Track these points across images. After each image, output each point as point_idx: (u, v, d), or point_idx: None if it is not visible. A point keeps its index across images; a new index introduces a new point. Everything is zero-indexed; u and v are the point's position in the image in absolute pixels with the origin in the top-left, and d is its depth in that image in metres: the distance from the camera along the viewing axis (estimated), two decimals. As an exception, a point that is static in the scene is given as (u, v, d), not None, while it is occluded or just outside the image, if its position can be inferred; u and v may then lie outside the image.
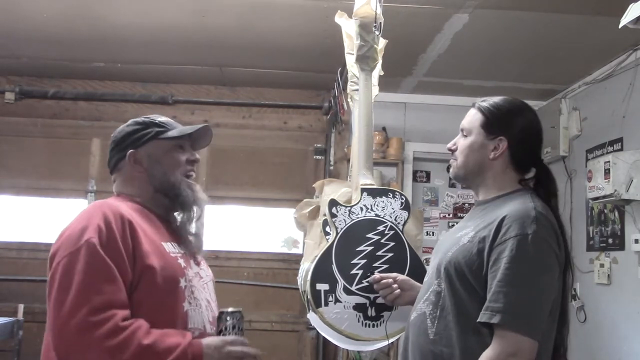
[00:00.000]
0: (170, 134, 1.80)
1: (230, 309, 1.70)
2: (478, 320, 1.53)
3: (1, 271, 4.58)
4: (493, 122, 1.73)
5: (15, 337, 3.73)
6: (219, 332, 1.68)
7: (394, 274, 1.98)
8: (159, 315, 1.57)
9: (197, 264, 1.80)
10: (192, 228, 1.81)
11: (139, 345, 1.47)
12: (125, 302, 1.53)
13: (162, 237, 1.71)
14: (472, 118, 1.77)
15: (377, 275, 1.98)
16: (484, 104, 1.77)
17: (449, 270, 1.63)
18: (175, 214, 1.83)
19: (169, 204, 1.80)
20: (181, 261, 1.70)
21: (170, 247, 1.70)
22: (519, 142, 1.72)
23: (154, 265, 1.59)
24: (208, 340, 1.60)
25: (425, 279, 1.80)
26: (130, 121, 1.85)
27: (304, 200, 2.53)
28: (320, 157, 4.86)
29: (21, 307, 3.85)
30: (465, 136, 1.78)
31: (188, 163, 1.82)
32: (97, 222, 1.57)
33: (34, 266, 4.58)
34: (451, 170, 1.83)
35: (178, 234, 1.78)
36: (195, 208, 1.81)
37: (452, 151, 1.81)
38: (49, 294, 1.55)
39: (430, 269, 1.77)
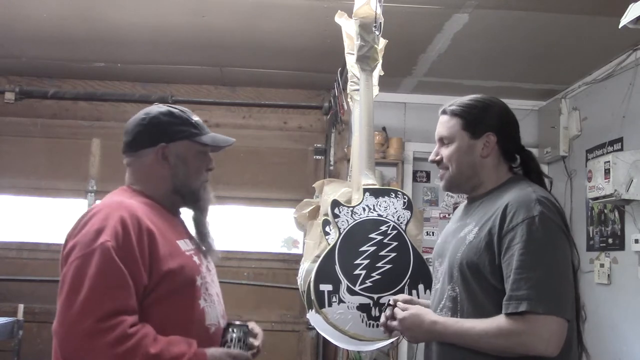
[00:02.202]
0: (205, 139, 1.77)
1: (237, 322, 1.72)
2: (504, 312, 1.51)
3: (1, 271, 4.58)
4: (473, 121, 1.73)
5: (15, 337, 3.73)
6: (224, 344, 1.68)
7: (397, 300, 1.79)
8: (176, 314, 1.57)
9: (205, 256, 1.80)
10: (207, 228, 1.82)
11: (145, 354, 1.46)
12: (134, 308, 1.52)
13: (176, 234, 1.71)
14: (449, 124, 1.77)
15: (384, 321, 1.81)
16: (456, 108, 1.76)
17: (463, 272, 1.61)
18: (186, 210, 1.82)
19: (181, 204, 1.79)
20: (195, 258, 1.70)
21: (184, 245, 1.70)
22: (503, 133, 1.74)
23: (174, 268, 1.59)
24: (212, 351, 1.60)
25: (436, 285, 1.77)
26: (163, 108, 1.79)
27: (304, 200, 2.53)
28: (320, 157, 4.86)
29: (21, 307, 3.84)
30: (447, 144, 1.77)
31: (206, 171, 1.81)
32: (114, 224, 1.53)
33: (34, 266, 4.59)
34: (443, 182, 1.80)
35: (189, 233, 1.79)
36: (207, 210, 1.82)
37: (438, 162, 1.80)
38: (60, 293, 1.52)
39: (440, 275, 1.74)
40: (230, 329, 1.69)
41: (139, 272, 1.53)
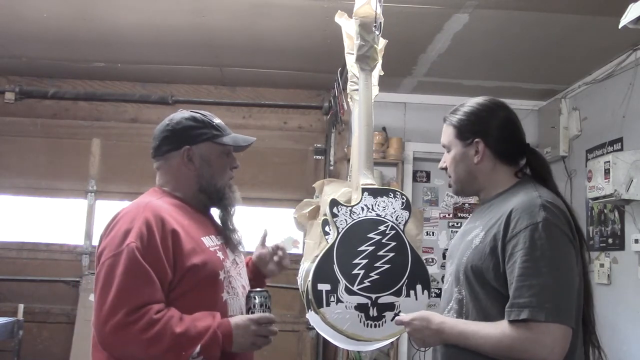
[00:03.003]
0: (226, 140, 1.90)
1: (257, 289, 1.87)
2: (506, 319, 1.52)
3: (1, 271, 4.58)
4: (463, 129, 1.76)
5: (15, 337, 3.73)
6: (248, 310, 1.82)
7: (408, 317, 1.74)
8: (199, 307, 1.69)
9: (233, 250, 1.91)
10: (233, 225, 1.94)
11: (172, 334, 1.60)
12: (160, 299, 1.65)
13: (201, 231, 1.82)
14: (447, 133, 1.81)
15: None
16: (452, 117, 1.80)
17: (467, 276, 1.63)
18: (213, 209, 1.95)
19: (208, 203, 1.92)
20: (220, 254, 1.81)
21: (209, 241, 1.81)
22: (494, 137, 1.73)
23: (197, 263, 1.71)
24: (236, 319, 1.73)
25: (445, 287, 1.79)
26: (186, 113, 1.90)
27: (304, 200, 2.52)
28: (320, 157, 4.86)
29: (21, 307, 3.85)
30: (448, 152, 1.81)
31: (230, 169, 1.95)
32: (139, 226, 1.66)
33: (34, 266, 4.59)
34: (451, 189, 1.86)
35: (218, 229, 1.91)
36: (233, 208, 1.95)
37: (445, 169, 1.84)
38: (94, 291, 1.67)
39: (449, 276, 1.76)
40: (252, 296, 1.83)
41: (164, 269, 1.66)
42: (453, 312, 1.68)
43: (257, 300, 1.82)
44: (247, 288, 1.92)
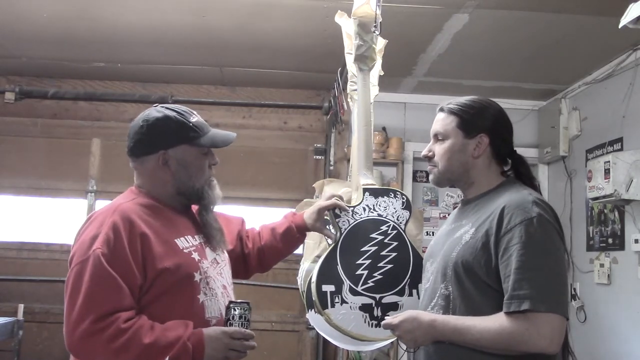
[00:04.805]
0: (203, 141, 1.80)
1: (238, 300, 1.81)
2: (505, 311, 1.52)
3: (1, 271, 4.58)
4: (469, 121, 1.76)
5: (15, 337, 3.74)
6: (227, 322, 1.76)
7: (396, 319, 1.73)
8: (174, 310, 1.66)
9: (214, 249, 1.85)
10: (214, 222, 1.87)
11: (141, 344, 1.57)
12: (130, 305, 1.62)
13: (175, 232, 1.76)
14: (445, 121, 1.79)
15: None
16: (454, 106, 1.79)
17: (457, 271, 1.63)
18: (193, 207, 1.89)
19: (187, 203, 1.86)
20: (195, 255, 1.76)
21: (183, 243, 1.76)
22: (497, 135, 1.76)
23: (169, 267, 1.67)
24: (209, 331, 1.68)
25: (426, 285, 1.79)
26: (161, 112, 1.79)
27: (304, 200, 2.52)
28: (320, 157, 4.86)
29: (21, 307, 3.85)
30: (441, 140, 1.79)
31: (209, 167, 1.86)
32: (106, 231, 1.63)
33: (34, 266, 4.59)
34: (432, 177, 1.83)
35: (199, 228, 1.86)
36: (213, 206, 1.88)
37: (429, 158, 1.82)
38: (65, 297, 1.65)
39: (431, 275, 1.76)
40: (232, 307, 1.78)
41: (132, 273, 1.63)
42: (438, 307, 1.67)
43: (236, 312, 1.77)
44: (229, 288, 1.88)
